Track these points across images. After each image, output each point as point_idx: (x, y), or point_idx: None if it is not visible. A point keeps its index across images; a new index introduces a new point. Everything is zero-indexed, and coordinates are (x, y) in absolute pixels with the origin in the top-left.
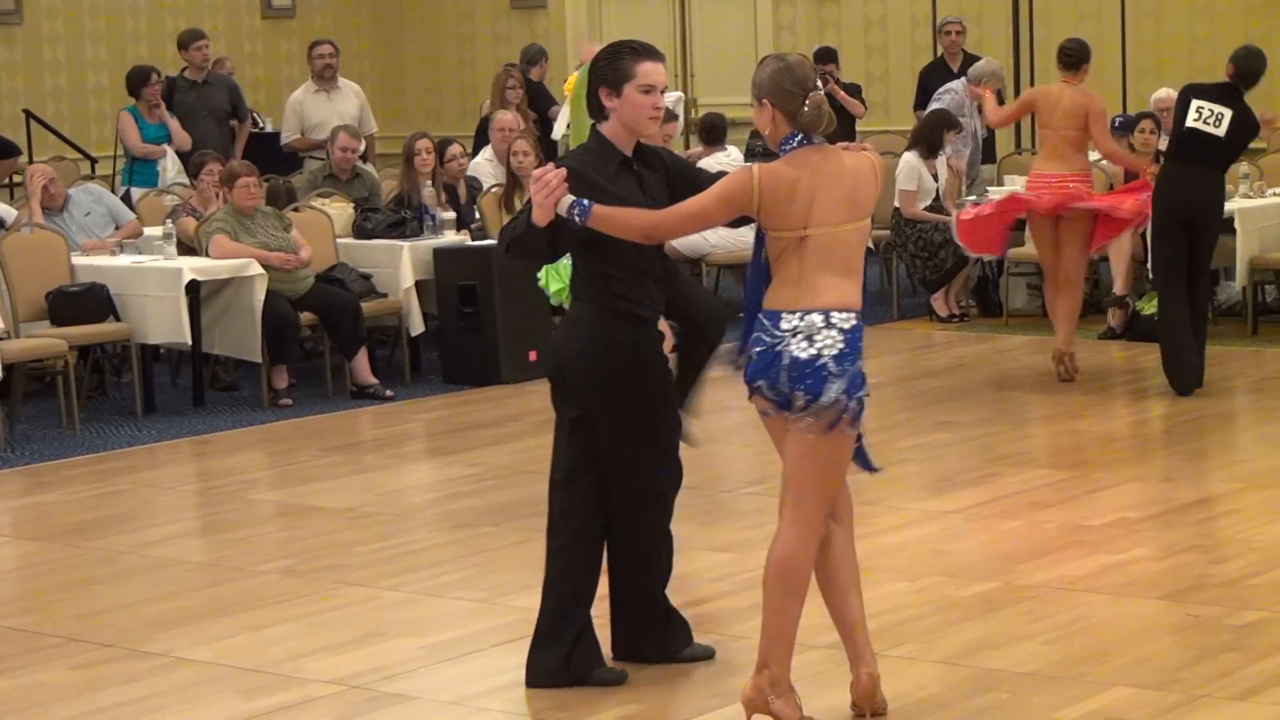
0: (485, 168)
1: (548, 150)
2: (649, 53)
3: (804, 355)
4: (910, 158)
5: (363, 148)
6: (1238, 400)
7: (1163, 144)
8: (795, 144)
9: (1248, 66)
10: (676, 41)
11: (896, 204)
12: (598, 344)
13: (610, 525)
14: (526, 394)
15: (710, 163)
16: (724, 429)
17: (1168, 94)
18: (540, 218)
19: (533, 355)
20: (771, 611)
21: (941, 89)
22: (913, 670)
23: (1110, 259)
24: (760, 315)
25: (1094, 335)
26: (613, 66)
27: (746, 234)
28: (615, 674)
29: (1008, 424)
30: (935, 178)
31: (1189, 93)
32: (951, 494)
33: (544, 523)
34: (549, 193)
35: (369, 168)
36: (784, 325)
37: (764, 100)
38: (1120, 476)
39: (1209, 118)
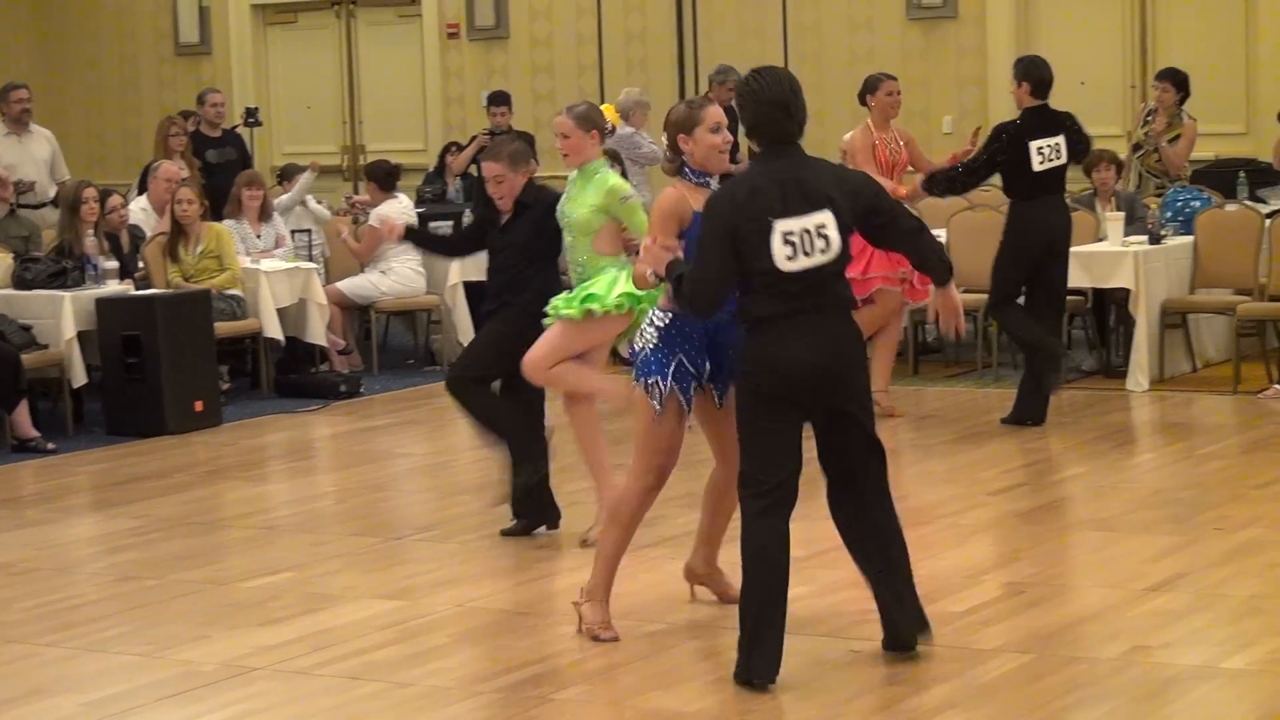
0: (140, 216)
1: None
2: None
3: None
4: None
5: (10, 195)
6: (900, 438)
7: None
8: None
9: (1040, 76)
10: (344, 87)
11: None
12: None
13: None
14: (192, 444)
15: (385, 209)
16: (392, 475)
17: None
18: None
19: (199, 405)
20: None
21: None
22: (582, 712)
23: None
24: None
25: None
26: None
27: (418, 281)
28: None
29: (681, 465)
30: None
31: (1022, 136)
32: None
33: (210, 573)
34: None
35: (32, 213)
36: None
37: None
38: None
39: (1051, 154)
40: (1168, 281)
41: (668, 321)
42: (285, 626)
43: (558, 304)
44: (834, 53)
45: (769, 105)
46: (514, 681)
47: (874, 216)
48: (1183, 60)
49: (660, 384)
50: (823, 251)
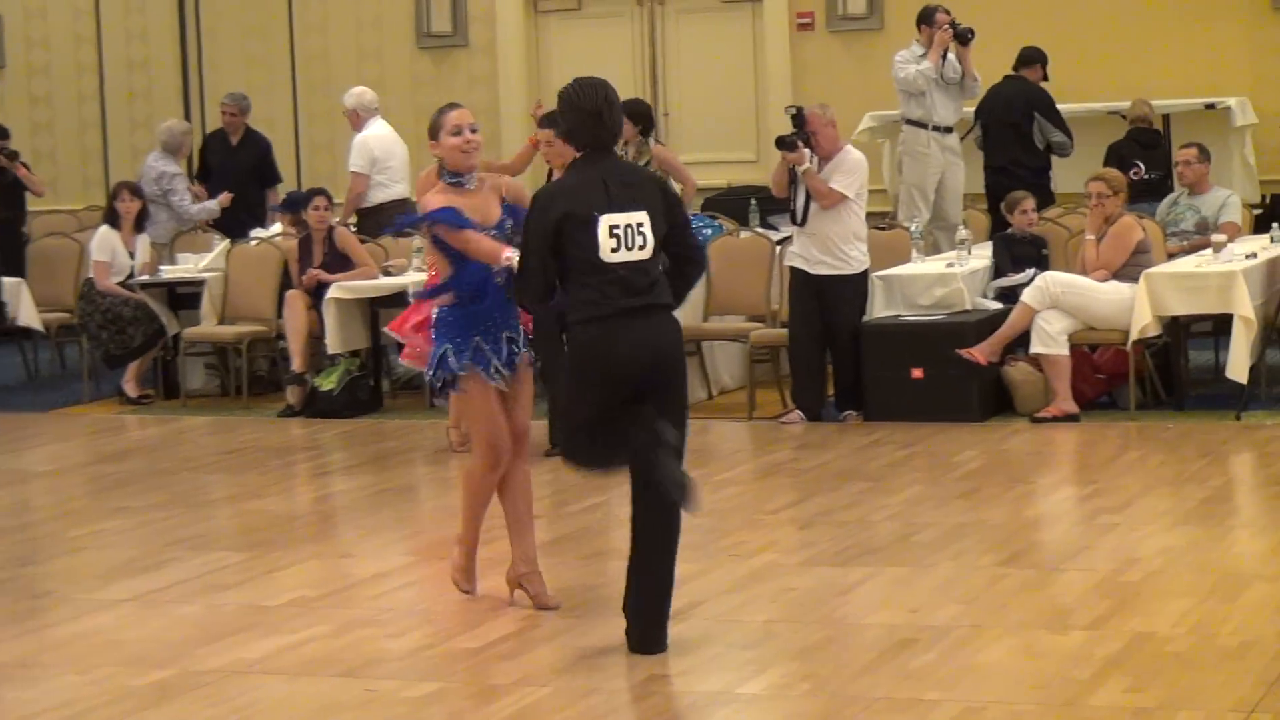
0: None
1: None
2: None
3: None
4: (105, 230)
5: None
6: (416, 473)
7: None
8: None
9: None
10: None
11: (90, 274)
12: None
13: None
14: None
15: None
16: None
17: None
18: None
19: None
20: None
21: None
22: None
23: (326, 329)
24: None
25: (274, 414)
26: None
27: None
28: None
29: (187, 506)
30: (132, 255)
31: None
32: (126, 581)
33: None
34: None
35: None
36: None
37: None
38: (299, 555)
39: None
40: (681, 309)
41: (444, 313)
42: None
43: None
44: (342, 81)
45: (583, 113)
46: None
47: (673, 229)
48: (695, 89)
49: (445, 370)
50: (640, 249)
